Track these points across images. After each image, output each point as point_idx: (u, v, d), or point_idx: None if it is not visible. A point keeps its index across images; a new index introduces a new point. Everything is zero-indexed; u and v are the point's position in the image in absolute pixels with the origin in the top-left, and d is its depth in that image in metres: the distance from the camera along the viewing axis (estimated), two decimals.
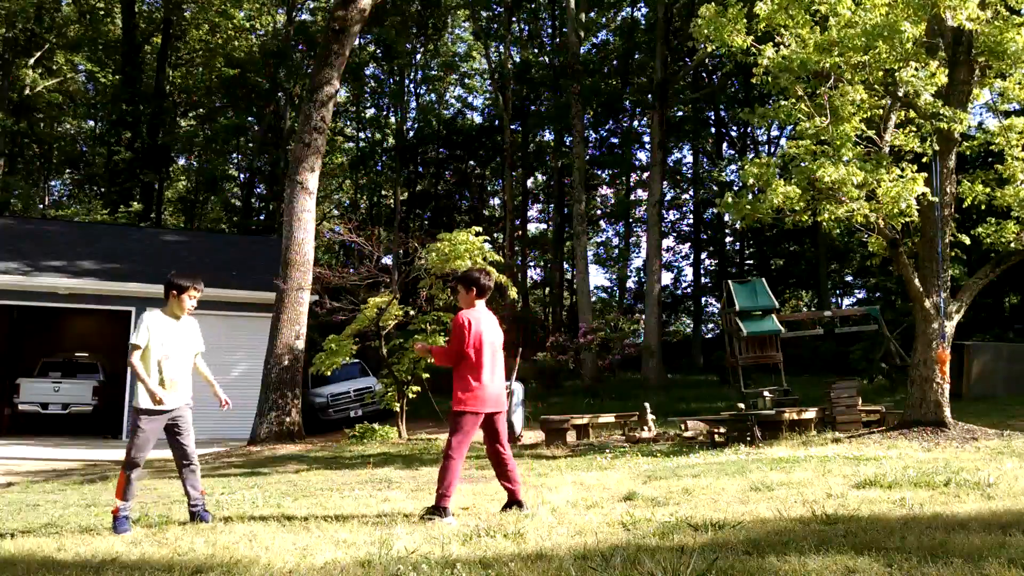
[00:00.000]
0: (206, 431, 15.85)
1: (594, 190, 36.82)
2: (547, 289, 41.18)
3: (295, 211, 14.92)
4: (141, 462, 5.27)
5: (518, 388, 13.26)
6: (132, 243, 20.14)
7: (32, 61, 30.61)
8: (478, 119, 39.29)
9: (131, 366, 5.31)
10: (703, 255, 36.40)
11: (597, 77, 30.65)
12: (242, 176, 38.48)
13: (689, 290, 37.22)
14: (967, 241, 10.06)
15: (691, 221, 36.49)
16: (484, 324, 5.28)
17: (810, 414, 10.72)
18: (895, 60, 9.10)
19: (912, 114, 9.88)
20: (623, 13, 33.68)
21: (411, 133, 37.25)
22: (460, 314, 5.27)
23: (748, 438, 9.94)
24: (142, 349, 5.30)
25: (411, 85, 37.31)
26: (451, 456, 5.09)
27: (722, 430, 10.80)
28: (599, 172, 36.12)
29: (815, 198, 9.08)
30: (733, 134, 35.97)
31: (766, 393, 12.47)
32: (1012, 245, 9.75)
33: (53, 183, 38.44)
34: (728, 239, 35.90)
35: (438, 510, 4.99)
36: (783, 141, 30.33)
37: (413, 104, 37.77)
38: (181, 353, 5.46)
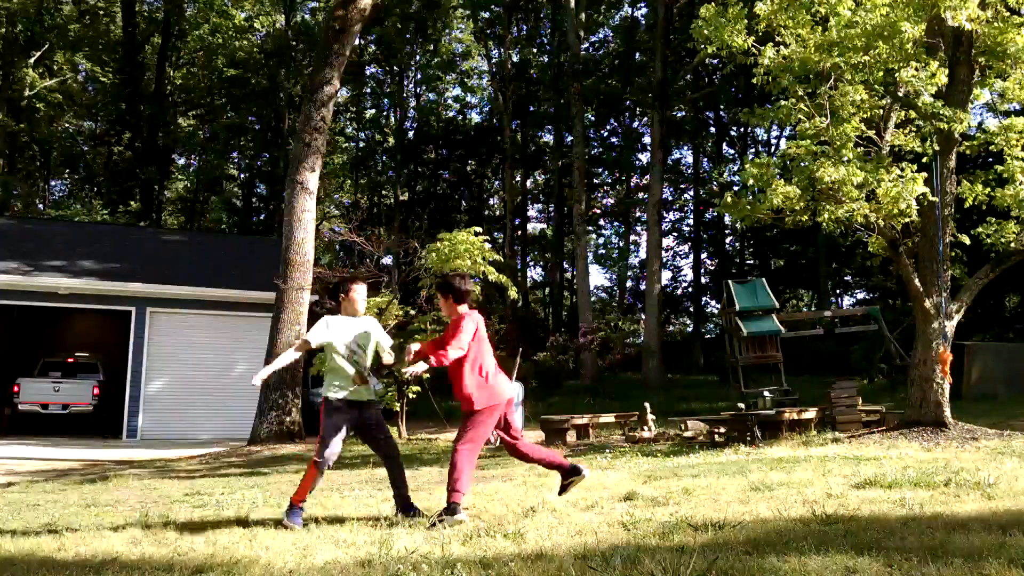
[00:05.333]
0: (206, 431, 15.90)
1: (594, 190, 36.81)
2: (547, 289, 41.17)
3: (295, 211, 14.92)
4: (331, 456, 5.26)
5: (517, 388, 13.26)
6: (132, 243, 20.14)
7: (32, 61, 30.61)
8: (478, 119, 39.35)
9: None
10: (703, 255, 36.40)
11: (597, 77, 30.66)
12: (242, 176, 38.49)
13: (689, 290, 37.22)
14: (967, 241, 10.05)
15: (691, 221, 36.50)
16: (479, 321, 5.32)
17: (810, 414, 10.71)
18: (895, 60, 9.10)
19: (912, 114, 9.88)
20: (623, 13, 33.70)
21: (411, 133, 37.26)
22: (462, 312, 5.28)
23: (748, 438, 9.94)
24: (325, 344, 5.36)
25: (411, 85, 37.30)
26: (458, 451, 5.08)
27: (722, 430, 10.81)
28: (599, 172, 36.11)
29: (815, 198, 9.07)
30: (733, 134, 35.95)
31: (766, 393, 12.48)
32: (1012, 245, 9.75)
33: (53, 183, 38.44)
34: (728, 239, 35.90)
35: (450, 508, 4.95)
36: (783, 141, 30.35)
37: (413, 104, 37.77)
38: (367, 349, 5.50)
